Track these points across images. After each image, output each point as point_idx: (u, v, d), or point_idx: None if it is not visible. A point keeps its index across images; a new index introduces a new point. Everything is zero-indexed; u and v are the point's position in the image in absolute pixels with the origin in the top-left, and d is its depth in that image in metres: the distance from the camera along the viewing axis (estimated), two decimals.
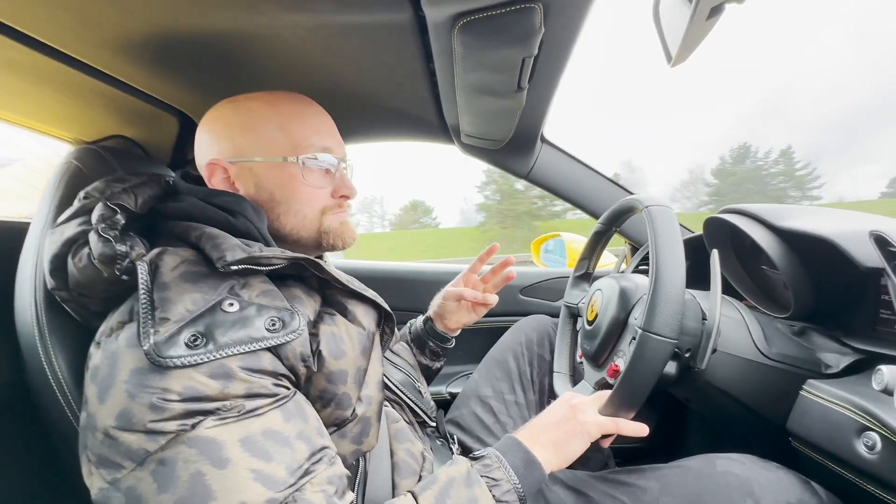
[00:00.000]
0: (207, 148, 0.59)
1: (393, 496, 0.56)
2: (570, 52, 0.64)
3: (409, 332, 0.90)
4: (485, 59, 0.59)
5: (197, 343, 0.40)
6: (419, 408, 0.73)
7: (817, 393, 0.57)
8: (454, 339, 0.90)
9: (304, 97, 0.63)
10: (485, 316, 0.87)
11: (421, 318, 0.90)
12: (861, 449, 0.50)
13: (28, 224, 0.59)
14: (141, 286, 0.43)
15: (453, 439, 0.81)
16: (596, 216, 1.14)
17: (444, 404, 0.93)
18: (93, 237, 0.47)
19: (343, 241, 0.63)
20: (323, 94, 0.63)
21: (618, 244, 1.21)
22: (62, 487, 0.58)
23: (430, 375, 0.90)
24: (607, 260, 1.35)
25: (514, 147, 1.03)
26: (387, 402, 0.66)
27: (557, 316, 0.96)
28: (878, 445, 0.48)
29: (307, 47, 0.66)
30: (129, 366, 0.40)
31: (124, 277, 0.45)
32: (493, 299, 0.84)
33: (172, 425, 0.38)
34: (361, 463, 0.56)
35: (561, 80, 0.73)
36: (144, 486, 0.37)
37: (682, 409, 1.10)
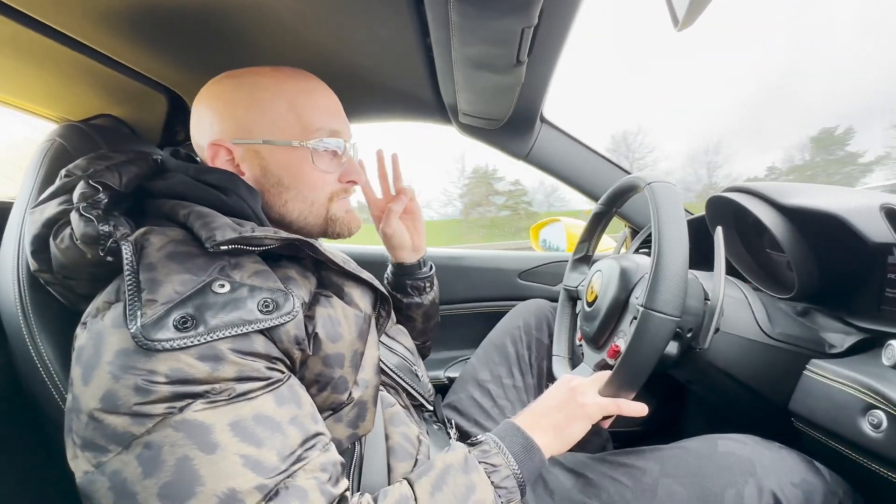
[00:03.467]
0: (209, 127, 0.55)
1: (389, 480, 0.56)
2: (571, 23, 0.61)
3: (388, 285, 0.87)
4: (483, 30, 0.57)
5: (186, 325, 0.39)
6: (416, 391, 0.72)
7: (821, 372, 0.56)
8: (430, 264, 0.87)
9: (312, 75, 0.60)
10: (483, 300, 0.86)
11: (389, 266, 0.87)
12: (866, 428, 0.49)
13: (10, 204, 0.57)
14: (126, 267, 0.41)
15: (451, 424, 0.80)
16: (596, 199, 1.12)
17: (442, 389, 0.92)
18: (74, 217, 0.45)
19: (349, 229, 0.62)
20: (315, 71, 0.61)
21: (616, 230, 1.20)
22: (51, 471, 0.57)
23: (428, 312, 0.87)
24: (606, 245, 1.34)
25: (512, 127, 1.00)
26: (382, 386, 0.65)
27: (556, 300, 0.95)
28: (885, 424, 0.47)
29: (299, 20, 0.64)
30: (115, 347, 0.38)
31: (109, 259, 0.44)
32: (408, 191, 0.80)
33: (159, 408, 0.36)
34: (357, 447, 0.55)
35: (561, 56, 0.71)
36: (129, 471, 0.35)
37: (682, 392, 1.10)
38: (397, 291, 0.86)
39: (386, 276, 0.89)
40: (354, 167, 0.61)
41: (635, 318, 0.55)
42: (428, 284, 0.87)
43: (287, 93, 0.56)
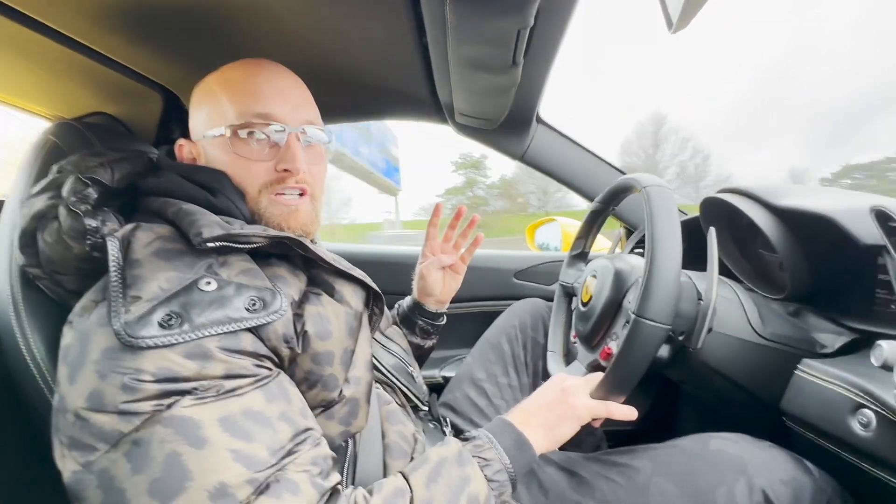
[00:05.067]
0: (190, 126, 0.59)
1: (384, 477, 0.56)
2: (567, 25, 0.62)
3: (398, 314, 0.89)
4: (479, 31, 0.57)
5: (171, 323, 0.39)
6: (411, 392, 0.72)
7: (812, 372, 0.57)
8: (445, 316, 0.88)
9: (262, 61, 0.57)
10: (478, 299, 0.86)
11: (408, 300, 0.88)
12: (856, 427, 0.50)
13: (1, 203, 0.57)
14: (112, 263, 0.41)
15: (446, 422, 0.81)
16: (591, 199, 1.12)
17: (438, 388, 0.92)
18: (62, 211, 0.45)
19: (287, 225, 0.55)
20: (311, 70, 0.61)
21: (612, 228, 1.20)
22: (43, 469, 0.57)
23: (422, 356, 0.89)
24: (601, 245, 1.35)
25: (508, 127, 1.01)
26: (378, 384, 0.65)
27: (552, 299, 0.96)
28: (873, 423, 0.48)
29: (294, 19, 0.64)
30: (101, 345, 0.38)
31: (95, 254, 0.44)
32: (473, 248, 0.84)
33: (147, 406, 0.36)
34: (351, 444, 0.55)
35: (557, 57, 0.71)
36: (118, 468, 0.35)
37: (675, 391, 1.11)
38: (405, 326, 0.87)
39: (399, 304, 0.90)
40: (291, 153, 0.54)
41: (628, 321, 0.56)
42: (435, 332, 0.88)
43: (224, 84, 0.55)
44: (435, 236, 0.85)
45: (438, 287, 0.84)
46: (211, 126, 0.55)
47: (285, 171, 0.54)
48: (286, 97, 0.55)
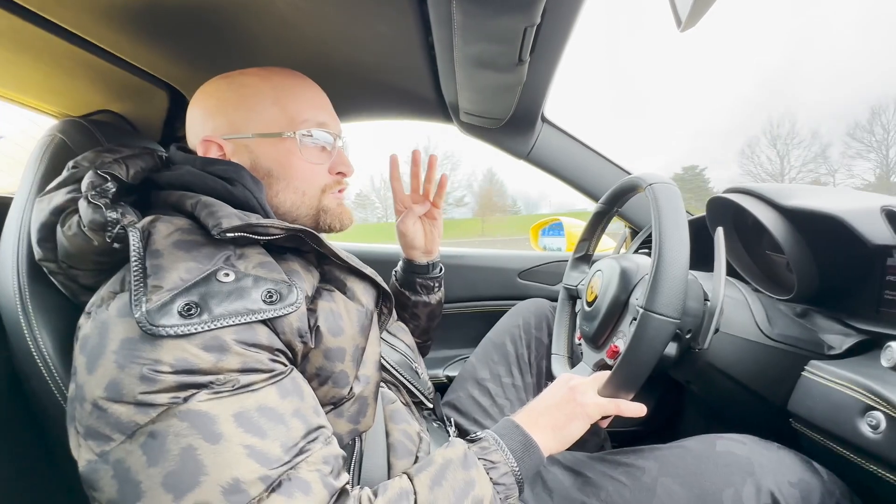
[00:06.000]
0: (201, 125, 0.57)
1: (388, 476, 0.56)
2: (573, 24, 0.61)
3: (397, 281, 0.89)
4: (486, 29, 0.56)
5: (191, 313, 0.39)
6: (416, 389, 0.72)
7: (820, 373, 0.56)
8: (440, 266, 0.88)
9: (298, 72, 0.61)
10: (482, 299, 0.86)
11: (400, 262, 0.89)
12: (864, 429, 0.49)
13: (10, 199, 0.57)
14: (133, 253, 0.42)
15: (450, 422, 0.81)
16: (596, 199, 1.12)
17: (442, 387, 0.92)
18: (82, 204, 0.45)
19: (340, 222, 0.62)
20: (317, 69, 0.61)
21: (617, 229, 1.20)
22: (49, 466, 0.57)
23: (433, 311, 0.89)
24: (606, 245, 1.34)
25: (513, 126, 1.00)
26: (383, 383, 0.65)
27: (556, 300, 0.95)
28: (883, 425, 0.47)
29: (301, 18, 0.64)
30: (120, 336, 0.38)
31: (116, 245, 0.44)
32: (441, 190, 0.83)
33: (164, 398, 0.37)
34: (357, 443, 0.55)
35: (563, 55, 0.71)
36: (133, 460, 0.35)
37: (680, 392, 1.10)
38: (406, 288, 0.87)
39: (395, 270, 0.90)
40: (343, 159, 0.62)
41: (635, 318, 0.55)
42: (437, 284, 0.88)
43: (273, 89, 0.57)
44: (400, 189, 0.83)
45: (420, 238, 0.84)
46: (265, 127, 0.56)
47: (340, 173, 0.62)
48: (330, 109, 0.62)
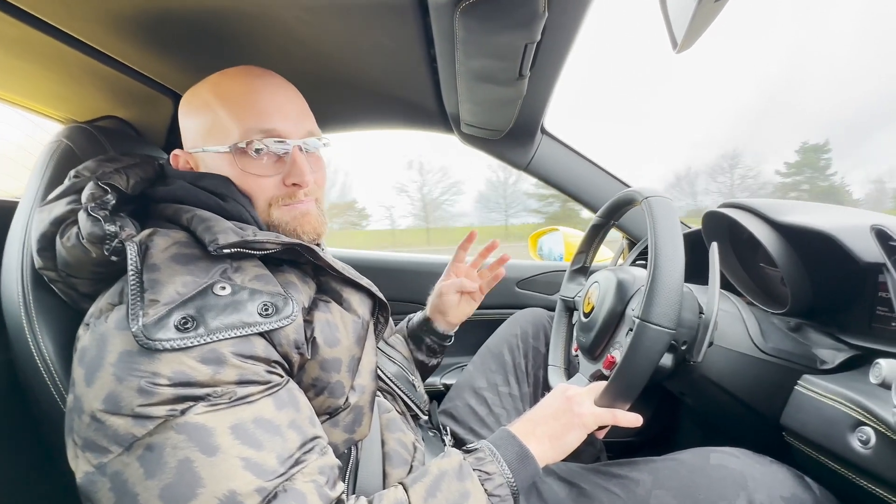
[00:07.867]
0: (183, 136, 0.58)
1: (384, 486, 0.56)
2: (573, 40, 0.63)
3: (407, 328, 0.89)
4: (487, 44, 0.58)
5: (187, 326, 0.39)
6: (412, 401, 0.73)
7: (812, 388, 0.57)
8: (454, 336, 0.89)
9: (256, 70, 0.57)
10: (480, 308, 0.86)
11: (420, 315, 0.89)
12: (855, 444, 0.50)
13: (16, 203, 0.58)
14: (130, 267, 0.42)
15: (446, 430, 0.81)
16: (594, 210, 1.13)
17: (439, 395, 0.93)
18: (82, 216, 0.46)
19: (297, 235, 0.55)
20: (320, 79, 0.62)
21: (614, 240, 1.21)
22: (50, 470, 0.57)
23: (426, 372, 0.89)
24: (603, 255, 1.35)
25: (513, 137, 1.02)
26: (379, 392, 0.65)
27: (554, 309, 0.96)
28: (873, 440, 0.48)
29: (304, 28, 0.65)
30: (118, 348, 0.39)
31: (113, 258, 0.44)
32: (494, 282, 0.86)
33: (161, 410, 0.37)
34: (353, 452, 0.55)
35: (563, 70, 0.72)
36: (131, 472, 0.36)
37: (675, 403, 1.10)
38: (413, 342, 0.87)
39: (410, 318, 0.90)
40: (298, 168, 0.54)
41: (631, 329, 0.56)
42: (441, 353, 0.89)
43: (220, 98, 0.54)
44: (463, 259, 0.87)
45: (453, 309, 0.85)
46: (211, 141, 0.54)
47: (294, 185, 0.55)
48: (287, 112, 0.55)
